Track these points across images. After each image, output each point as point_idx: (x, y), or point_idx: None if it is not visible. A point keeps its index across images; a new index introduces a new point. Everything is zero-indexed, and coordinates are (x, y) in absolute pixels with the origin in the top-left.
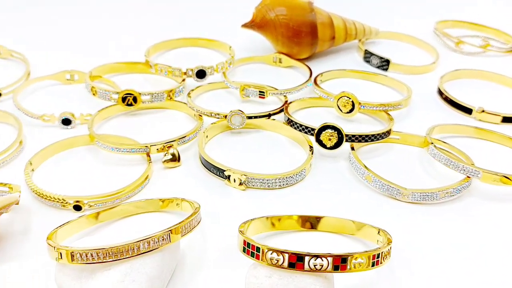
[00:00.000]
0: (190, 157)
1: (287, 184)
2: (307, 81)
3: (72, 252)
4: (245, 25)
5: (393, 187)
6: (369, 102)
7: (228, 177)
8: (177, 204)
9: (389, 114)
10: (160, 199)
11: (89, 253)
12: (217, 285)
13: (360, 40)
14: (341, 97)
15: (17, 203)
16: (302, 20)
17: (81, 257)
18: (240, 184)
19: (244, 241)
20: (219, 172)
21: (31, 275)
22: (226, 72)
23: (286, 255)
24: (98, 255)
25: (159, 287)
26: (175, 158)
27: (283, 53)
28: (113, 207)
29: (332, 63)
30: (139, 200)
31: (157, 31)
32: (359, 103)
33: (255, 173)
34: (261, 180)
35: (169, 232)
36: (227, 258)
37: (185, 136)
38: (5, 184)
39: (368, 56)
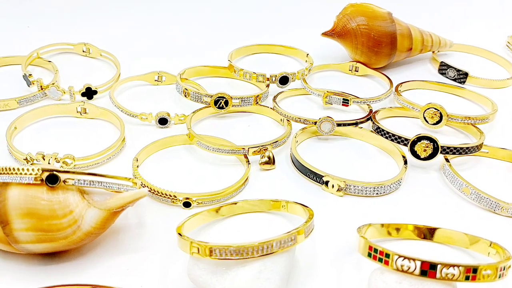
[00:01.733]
0: (282, 161)
1: (384, 192)
2: (389, 90)
3: (211, 248)
4: (325, 34)
5: (492, 201)
6: (456, 115)
7: (326, 183)
8: (282, 206)
9: (477, 128)
10: (272, 200)
11: (228, 250)
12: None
13: (434, 52)
14: (428, 108)
15: (145, 196)
16: (383, 30)
17: (220, 253)
18: (338, 190)
19: (370, 247)
20: (316, 177)
21: (151, 266)
22: (307, 79)
23: (419, 263)
24: (236, 252)
25: (285, 286)
26: (271, 161)
27: (360, 62)
28: (234, 203)
29: (407, 74)
30: (253, 199)
31: (233, 36)
32: (447, 115)
33: (354, 180)
34: (359, 188)
35: (296, 233)
36: (337, 260)
37: (277, 141)
38: (129, 179)
39: (444, 68)
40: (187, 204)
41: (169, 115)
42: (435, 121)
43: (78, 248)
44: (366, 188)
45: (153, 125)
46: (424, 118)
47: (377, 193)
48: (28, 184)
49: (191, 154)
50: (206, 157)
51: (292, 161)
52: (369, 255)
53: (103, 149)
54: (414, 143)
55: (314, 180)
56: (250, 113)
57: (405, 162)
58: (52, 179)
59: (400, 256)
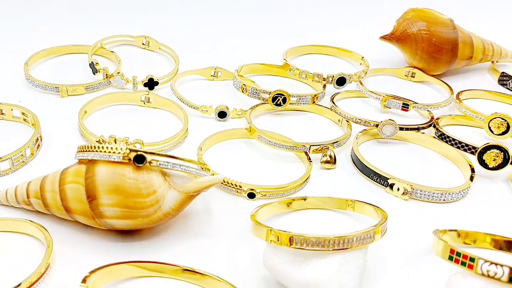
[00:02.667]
0: (342, 161)
1: (450, 200)
2: (450, 97)
3: (292, 237)
4: (384, 37)
5: None
6: None
7: (391, 186)
8: (349, 205)
9: None
10: (341, 198)
11: (309, 240)
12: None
13: (493, 62)
14: (494, 118)
15: (220, 182)
16: (445, 36)
17: (300, 242)
18: (404, 193)
19: (452, 250)
20: (380, 179)
21: (220, 251)
22: (362, 82)
23: (507, 269)
24: (317, 243)
25: (361, 283)
26: (332, 160)
27: (417, 68)
28: (304, 198)
29: (465, 82)
30: (322, 196)
31: (285, 36)
32: None
33: (421, 185)
34: (426, 193)
35: (374, 231)
36: (407, 263)
37: (339, 141)
38: (204, 165)
39: (505, 79)
40: (251, 195)
41: (228, 109)
42: (501, 131)
43: (151, 229)
44: (434, 193)
45: (212, 117)
46: (489, 127)
47: (444, 200)
48: (115, 162)
49: (250, 148)
50: (265, 151)
51: (353, 162)
52: (450, 258)
53: (169, 137)
54: (483, 151)
55: (377, 182)
56: (306, 112)
57: (473, 171)
58: (139, 159)
59: (486, 261)
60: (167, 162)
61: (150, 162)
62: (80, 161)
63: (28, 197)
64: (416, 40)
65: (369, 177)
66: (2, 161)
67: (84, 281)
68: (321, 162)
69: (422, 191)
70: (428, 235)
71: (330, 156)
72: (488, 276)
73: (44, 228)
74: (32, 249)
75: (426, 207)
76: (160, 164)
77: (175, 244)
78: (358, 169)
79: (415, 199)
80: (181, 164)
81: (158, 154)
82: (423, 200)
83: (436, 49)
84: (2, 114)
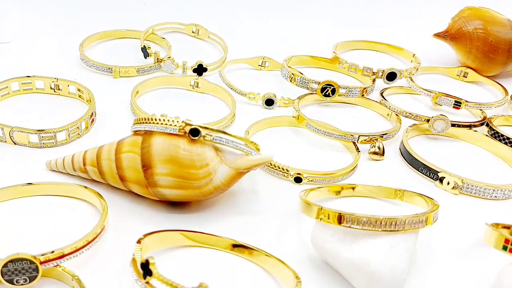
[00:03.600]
0: (390, 153)
1: (502, 197)
2: (504, 98)
3: (342, 215)
4: (437, 35)
5: None
6: None
7: (441, 179)
8: (397, 195)
9: None
10: (391, 188)
11: (361, 219)
12: (458, 276)
13: None
14: None
15: (270, 161)
16: (502, 37)
17: (351, 221)
18: (454, 188)
19: (507, 240)
20: (430, 172)
21: (267, 230)
22: (412, 78)
23: None
24: (368, 223)
25: (410, 267)
26: (381, 152)
27: (470, 68)
28: (354, 187)
29: None
30: (371, 185)
31: (335, 30)
32: None
33: (473, 180)
34: (478, 188)
35: (427, 216)
36: (458, 253)
37: (388, 133)
38: (254, 144)
39: None
40: (298, 180)
41: (275, 97)
42: None
43: (200, 203)
44: (485, 189)
45: (259, 105)
46: None
47: (495, 197)
48: (171, 134)
49: (296, 136)
50: (311, 140)
51: (402, 155)
52: (504, 248)
53: (216, 120)
54: None
55: (426, 176)
56: (354, 105)
57: None
58: (194, 132)
59: None
60: (220, 138)
61: (204, 137)
62: (136, 133)
63: (84, 165)
64: (471, 39)
65: (418, 170)
66: (59, 131)
67: (139, 241)
68: (369, 153)
69: (473, 186)
70: (478, 230)
71: (379, 148)
72: None
73: (99, 194)
74: (87, 213)
75: (476, 203)
76: (213, 139)
77: (222, 219)
78: (407, 162)
79: (465, 194)
80: (233, 140)
81: (212, 130)
82: (474, 195)
83: (491, 49)
84: (59, 89)
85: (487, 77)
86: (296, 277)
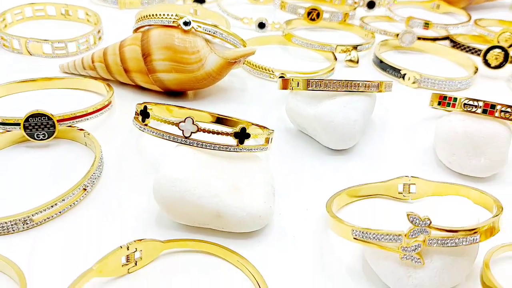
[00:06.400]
0: (365, 63)
1: (455, 88)
2: (468, 20)
3: (309, 80)
4: None
5: None
6: None
7: (403, 76)
8: None
9: None
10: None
11: (322, 82)
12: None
13: None
14: (504, 33)
15: (253, 53)
16: None
17: (316, 85)
18: (414, 82)
19: (440, 96)
20: (395, 71)
21: (253, 113)
22: (391, 8)
23: (481, 103)
24: (327, 85)
25: (366, 122)
26: (356, 60)
27: (443, 0)
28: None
29: (486, 16)
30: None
31: None
32: None
33: (428, 74)
34: (433, 81)
35: (379, 83)
36: (406, 119)
37: (362, 44)
38: (242, 40)
39: None
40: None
41: (267, 21)
42: (510, 44)
43: (197, 93)
44: (440, 82)
45: (252, 29)
46: (498, 41)
47: (450, 89)
48: (166, 26)
49: (284, 51)
50: (297, 54)
51: (374, 63)
52: (439, 103)
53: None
54: (487, 52)
55: (392, 75)
56: (337, 30)
57: (476, 70)
58: (186, 23)
59: (466, 98)
60: (210, 29)
61: (195, 29)
62: (136, 31)
63: (93, 62)
64: None
65: (385, 71)
66: (70, 41)
67: (136, 117)
68: (346, 61)
69: (429, 79)
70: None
71: (354, 57)
72: (467, 110)
73: (106, 83)
74: (95, 98)
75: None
76: (204, 29)
77: (214, 105)
78: (377, 66)
79: (423, 88)
80: (222, 32)
81: (203, 22)
82: (430, 88)
83: None
84: (69, 15)
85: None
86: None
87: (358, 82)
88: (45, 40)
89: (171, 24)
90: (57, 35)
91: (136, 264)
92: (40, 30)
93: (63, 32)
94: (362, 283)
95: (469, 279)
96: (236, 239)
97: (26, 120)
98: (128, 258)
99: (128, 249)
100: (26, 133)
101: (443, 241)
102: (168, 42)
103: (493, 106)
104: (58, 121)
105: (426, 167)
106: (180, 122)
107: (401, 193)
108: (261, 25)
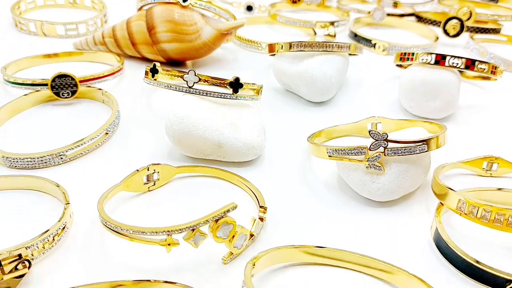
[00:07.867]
0: (342, 38)
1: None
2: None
3: (291, 43)
4: None
5: None
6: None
7: (374, 45)
8: None
9: None
10: None
11: (302, 44)
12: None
13: None
14: (462, 8)
15: (243, 25)
16: None
17: (298, 46)
18: (383, 50)
19: (402, 53)
20: (367, 42)
21: (244, 77)
22: None
23: (434, 55)
24: (308, 45)
25: (342, 79)
26: (333, 35)
27: None
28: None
29: None
30: None
31: None
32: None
33: (397, 43)
34: (399, 48)
35: (350, 45)
36: (376, 83)
37: (338, 21)
38: (233, 16)
39: None
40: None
41: (254, 4)
42: (467, 17)
43: (195, 63)
44: (406, 48)
45: (241, 11)
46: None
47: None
48: (167, 3)
49: (270, 29)
50: (282, 31)
51: (349, 37)
52: (400, 59)
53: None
54: (446, 23)
55: (365, 45)
56: (316, 11)
57: (437, 39)
58: (184, 0)
59: (423, 53)
60: (205, 5)
61: (192, 5)
62: (140, 10)
63: (103, 38)
64: None
65: (359, 43)
66: (81, 23)
67: (146, 74)
68: (324, 35)
69: (395, 46)
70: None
71: (331, 32)
72: (427, 63)
73: (115, 54)
74: (109, 68)
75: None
76: (200, 5)
77: (209, 71)
78: (353, 40)
79: (391, 55)
80: (215, 8)
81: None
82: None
83: None
84: (76, 4)
85: None
86: None
87: (333, 43)
88: (58, 22)
89: (172, 1)
90: (67, 20)
91: (154, 184)
92: (51, 16)
93: (72, 18)
94: (336, 193)
95: (423, 190)
96: (235, 167)
97: (53, 80)
98: (148, 178)
99: (148, 170)
100: (53, 92)
101: (398, 151)
102: (170, 16)
103: (443, 57)
104: (79, 82)
105: (393, 114)
106: (184, 74)
107: (371, 131)
108: (249, 8)
